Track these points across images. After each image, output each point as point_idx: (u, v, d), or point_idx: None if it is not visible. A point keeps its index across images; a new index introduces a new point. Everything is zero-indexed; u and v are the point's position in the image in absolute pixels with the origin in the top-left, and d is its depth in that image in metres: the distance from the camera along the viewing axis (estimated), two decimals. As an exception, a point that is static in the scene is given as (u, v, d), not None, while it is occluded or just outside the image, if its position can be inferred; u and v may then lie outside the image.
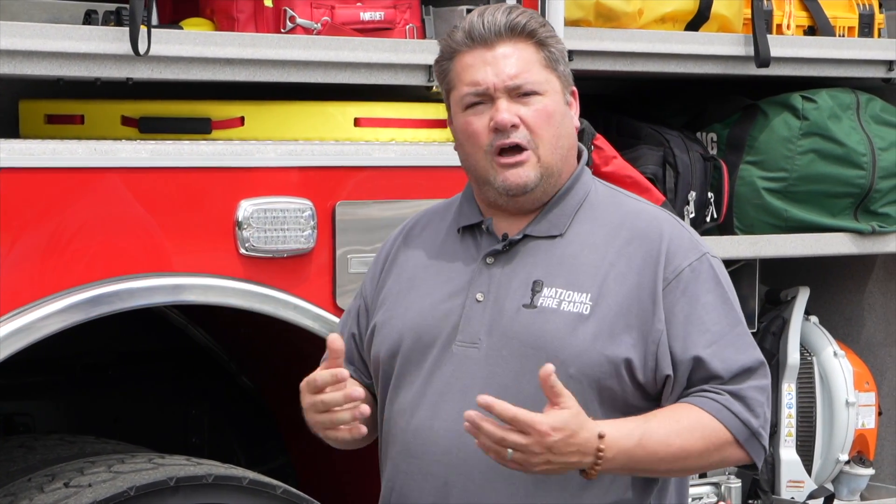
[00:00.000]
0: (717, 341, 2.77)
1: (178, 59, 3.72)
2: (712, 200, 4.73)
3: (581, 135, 4.36)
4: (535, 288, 2.79)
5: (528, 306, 2.77)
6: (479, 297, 2.81)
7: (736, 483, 4.81)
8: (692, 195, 4.66)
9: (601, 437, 2.65)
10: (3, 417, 4.30)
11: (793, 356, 4.99)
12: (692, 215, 4.66)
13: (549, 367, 2.62)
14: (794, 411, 5.00)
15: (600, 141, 4.44)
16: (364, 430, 2.75)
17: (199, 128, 3.87)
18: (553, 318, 2.76)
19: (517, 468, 2.65)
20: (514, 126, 2.79)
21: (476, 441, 2.64)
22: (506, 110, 2.79)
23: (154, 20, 3.72)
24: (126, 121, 3.90)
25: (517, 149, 2.80)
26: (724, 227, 4.80)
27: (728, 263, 4.79)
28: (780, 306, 5.06)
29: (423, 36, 4.11)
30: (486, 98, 2.82)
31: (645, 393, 2.80)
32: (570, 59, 4.22)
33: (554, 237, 2.83)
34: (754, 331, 4.91)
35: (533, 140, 2.80)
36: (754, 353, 2.80)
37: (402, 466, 2.84)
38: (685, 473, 2.82)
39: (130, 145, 3.66)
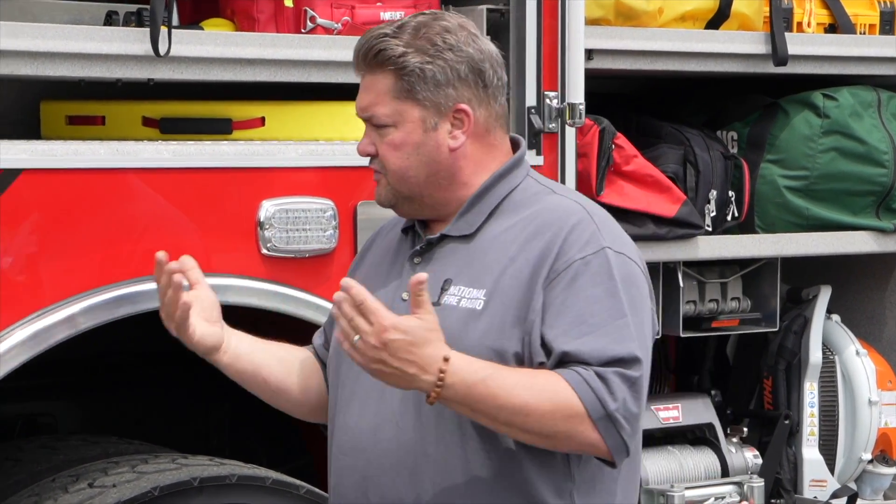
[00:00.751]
0: (592, 333, 2.74)
1: (199, 60, 3.72)
2: (733, 199, 4.72)
3: (602, 134, 4.36)
4: (444, 286, 2.84)
5: (435, 304, 2.79)
6: (405, 296, 2.86)
7: (759, 483, 4.80)
8: (713, 194, 4.65)
9: (446, 359, 2.66)
10: (25, 418, 4.32)
11: (815, 355, 4.98)
12: (713, 214, 4.65)
13: (421, 276, 2.66)
14: (816, 410, 4.99)
15: (621, 140, 4.43)
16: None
17: (220, 128, 3.88)
18: (450, 316, 2.80)
19: (358, 359, 2.66)
20: (370, 154, 2.88)
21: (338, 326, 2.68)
22: (363, 141, 2.89)
23: (175, 21, 3.74)
24: (147, 121, 3.91)
25: (376, 171, 2.90)
26: (745, 226, 4.79)
27: (749, 262, 4.83)
28: (802, 305, 5.05)
29: (444, 35, 4.10)
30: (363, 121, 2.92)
31: None
32: (590, 59, 4.25)
33: (467, 236, 2.87)
34: (776, 329, 4.90)
35: (384, 168, 2.87)
36: (629, 347, 2.75)
37: (335, 462, 2.90)
38: (526, 435, 2.74)
39: (152, 146, 3.67)
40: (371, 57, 2.83)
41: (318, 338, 3.12)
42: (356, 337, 2.65)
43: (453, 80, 2.83)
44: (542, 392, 2.71)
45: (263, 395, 3.07)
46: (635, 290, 2.82)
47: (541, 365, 2.76)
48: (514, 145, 2.95)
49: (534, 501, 2.78)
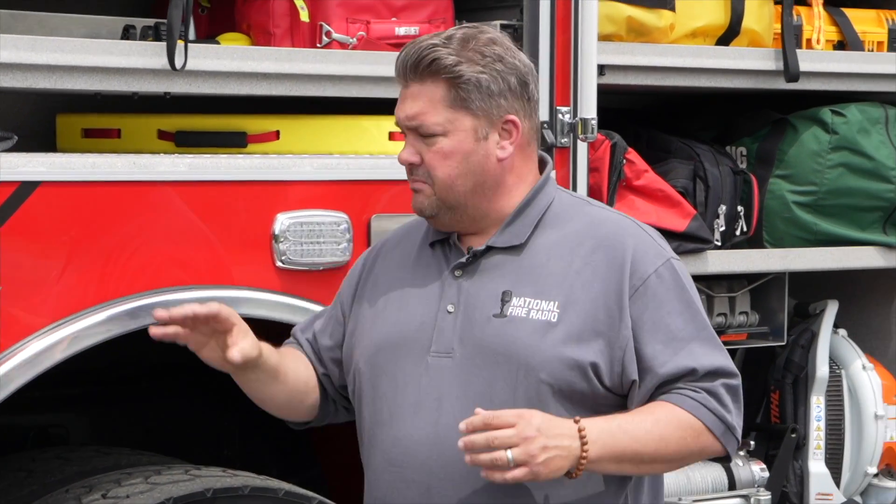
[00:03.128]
0: (685, 347, 2.84)
1: (215, 74, 3.74)
2: (742, 214, 4.74)
3: (613, 149, 4.38)
4: (505, 298, 2.86)
5: (498, 315, 2.85)
6: (450, 308, 2.88)
7: (765, 496, 4.82)
8: (722, 209, 4.67)
9: (576, 420, 2.74)
10: (38, 429, 4.33)
11: (822, 369, 5.00)
12: (722, 228, 4.67)
13: (476, 416, 2.68)
14: (822, 424, 5.00)
15: (632, 155, 4.45)
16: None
17: (235, 142, 3.90)
18: (523, 326, 2.83)
19: (522, 473, 2.67)
20: (413, 164, 2.89)
21: (481, 471, 2.69)
22: (406, 149, 2.90)
23: (191, 35, 3.75)
24: (162, 135, 3.93)
25: (418, 180, 2.91)
26: (753, 241, 4.81)
27: (757, 276, 4.84)
28: (809, 319, 5.07)
29: (457, 50, 4.12)
30: (406, 131, 2.92)
31: (614, 395, 2.87)
32: (602, 74, 4.27)
33: (515, 247, 2.89)
34: (783, 343, 4.92)
35: (430, 177, 2.87)
36: (722, 358, 2.88)
37: (384, 476, 2.90)
38: (667, 465, 2.85)
39: (169, 159, 3.69)
40: (424, 66, 2.84)
41: (303, 333, 3.11)
42: (508, 453, 2.66)
43: (504, 90, 2.86)
44: (669, 423, 2.80)
45: (272, 406, 3.06)
46: (697, 296, 2.93)
47: (633, 383, 2.83)
48: (540, 162, 3.00)
49: (597, 494, 2.84)
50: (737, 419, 2.87)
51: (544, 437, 2.68)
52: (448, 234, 2.96)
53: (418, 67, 2.85)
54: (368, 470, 2.96)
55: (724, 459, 4.72)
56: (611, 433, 2.76)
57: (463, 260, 2.91)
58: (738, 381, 2.89)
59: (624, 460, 2.78)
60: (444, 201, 2.88)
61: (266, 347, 2.97)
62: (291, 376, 3.02)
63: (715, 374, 2.85)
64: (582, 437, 2.72)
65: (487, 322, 2.85)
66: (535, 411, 2.73)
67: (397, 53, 3.88)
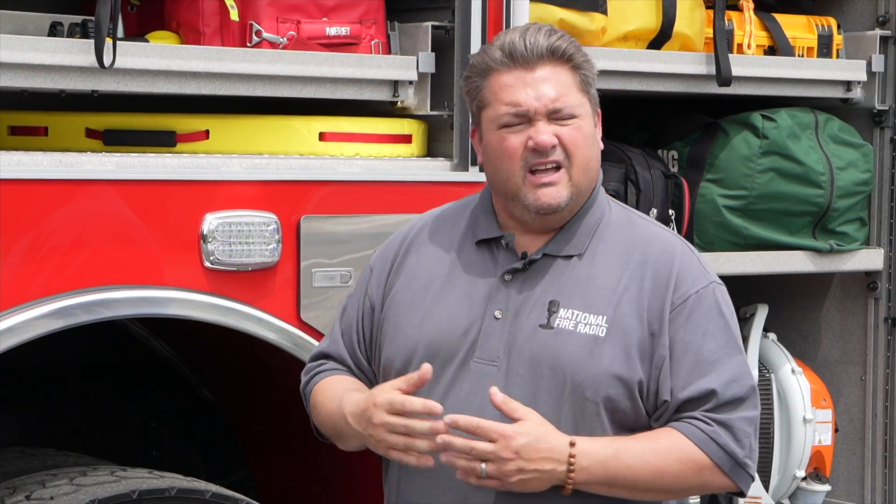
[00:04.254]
0: (713, 371, 2.82)
1: (144, 72, 3.71)
2: (673, 217, 4.76)
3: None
4: (552, 308, 2.84)
5: (544, 326, 2.83)
6: (498, 314, 2.86)
7: (694, 498, 4.83)
8: (653, 212, 4.69)
9: (572, 444, 2.72)
10: (-38, 430, 4.29)
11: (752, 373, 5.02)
12: (653, 232, 4.69)
13: (497, 392, 2.69)
14: (752, 428, 5.03)
15: (563, 157, 4.46)
16: (432, 461, 2.75)
17: (164, 141, 3.87)
18: (570, 340, 2.81)
19: (494, 484, 2.69)
20: (553, 147, 2.87)
21: (449, 463, 2.69)
22: (545, 132, 2.86)
23: (120, 33, 3.72)
24: (90, 133, 3.90)
25: (552, 169, 2.87)
26: (684, 245, 4.83)
27: (688, 280, 4.86)
28: (739, 323, 5.09)
29: (388, 51, 4.12)
30: (524, 119, 2.88)
31: (649, 416, 2.86)
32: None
33: (571, 257, 2.88)
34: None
35: (568, 160, 2.87)
36: (749, 384, 2.86)
37: (417, 480, 2.87)
38: (665, 495, 2.84)
39: (96, 157, 3.66)
40: (559, 52, 2.86)
41: (340, 355, 3.03)
42: (482, 466, 2.67)
43: (595, 80, 2.95)
44: (670, 454, 2.78)
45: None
46: (735, 321, 2.91)
47: (664, 403, 2.81)
48: None
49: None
50: (752, 455, 2.83)
51: (522, 460, 2.68)
52: (500, 234, 2.92)
53: (555, 52, 2.86)
54: (399, 469, 2.90)
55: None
56: (604, 461, 2.74)
57: (518, 265, 2.88)
58: (756, 412, 2.85)
59: (616, 486, 2.77)
60: (579, 186, 2.87)
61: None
62: None
63: (736, 403, 2.82)
64: (570, 462, 2.72)
65: (534, 333, 2.83)
66: (524, 430, 2.69)
67: (329, 55, 3.91)
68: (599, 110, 2.96)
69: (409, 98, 4.11)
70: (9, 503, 3.50)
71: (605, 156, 4.72)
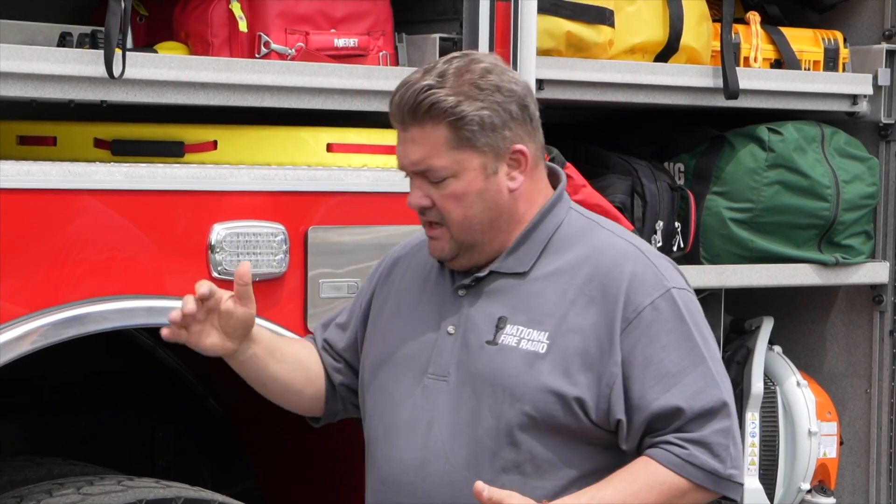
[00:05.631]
0: (678, 384, 2.74)
1: (153, 83, 3.73)
2: (679, 230, 4.76)
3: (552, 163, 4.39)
4: (499, 325, 2.81)
5: (490, 343, 2.79)
6: (451, 329, 2.84)
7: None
8: (659, 224, 4.70)
9: None
10: (-31, 438, 4.30)
11: (756, 385, 5.03)
12: (659, 244, 4.69)
13: (479, 487, 2.65)
14: (757, 440, 5.03)
15: (570, 169, 4.47)
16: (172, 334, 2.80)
17: (172, 151, 3.88)
18: (511, 357, 2.78)
19: None
20: (426, 207, 2.82)
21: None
22: (413, 194, 2.82)
23: (129, 43, 3.74)
24: (99, 143, 3.91)
25: (433, 224, 2.83)
26: (690, 257, 4.84)
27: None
28: (745, 336, 5.10)
29: (396, 63, 4.13)
30: (410, 175, 2.84)
31: (604, 431, 2.81)
32: (541, 89, 4.28)
33: (519, 274, 2.83)
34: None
35: (444, 220, 2.81)
36: (716, 393, 2.76)
37: (377, 495, 2.88)
38: None
39: (105, 167, 3.67)
40: (423, 111, 2.74)
41: (323, 333, 3.07)
42: None
43: (507, 121, 2.77)
44: (651, 490, 2.71)
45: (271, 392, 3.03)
46: (703, 324, 2.82)
47: (618, 423, 2.74)
48: (551, 173, 2.92)
49: None
50: (734, 464, 2.77)
51: None
52: None
53: (417, 112, 2.75)
54: (367, 486, 2.92)
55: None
56: None
57: (466, 282, 2.84)
58: (730, 421, 2.76)
59: None
60: (462, 242, 2.80)
61: (261, 327, 2.94)
62: (291, 358, 2.97)
63: (707, 415, 2.74)
64: None
65: (481, 349, 2.80)
66: None
67: (337, 66, 3.92)
68: (519, 146, 2.80)
69: (416, 109, 4.11)
70: (15, 512, 3.51)
71: (612, 168, 4.78)
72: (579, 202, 4.47)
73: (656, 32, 4.62)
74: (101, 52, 3.62)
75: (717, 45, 4.78)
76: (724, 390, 2.79)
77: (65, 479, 3.67)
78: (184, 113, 4.00)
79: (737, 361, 5.04)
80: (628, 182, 4.68)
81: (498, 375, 2.78)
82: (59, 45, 3.89)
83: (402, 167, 2.84)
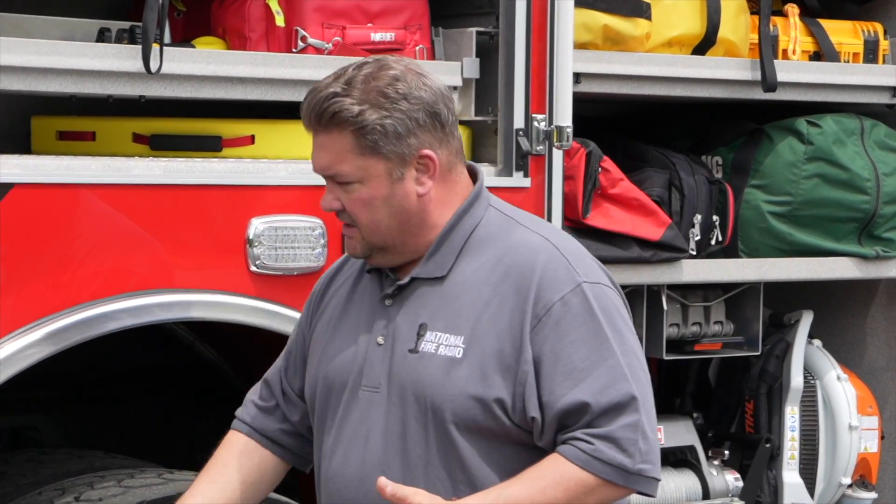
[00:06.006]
0: (585, 379, 2.73)
1: (190, 78, 3.74)
2: (717, 224, 4.75)
3: (589, 157, 4.39)
4: (420, 332, 2.81)
5: (412, 351, 2.79)
6: (380, 340, 2.84)
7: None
8: (697, 218, 4.68)
9: None
10: (11, 431, 4.33)
11: (796, 379, 5.01)
12: (697, 238, 4.68)
13: (382, 482, 2.66)
14: (797, 434, 5.02)
15: (607, 163, 4.47)
16: None
17: (210, 145, 3.90)
18: (430, 364, 2.78)
19: None
20: (336, 210, 2.84)
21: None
22: (325, 197, 2.85)
23: (166, 38, 3.76)
24: (137, 138, 3.93)
25: (348, 224, 2.86)
26: (728, 251, 4.82)
27: (733, 286, 4.86)
28: (784, 330, 5.08)
29: (433, 57, 4.14)
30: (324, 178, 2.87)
31: (526, 431, 2.79)
32: (578, 82, 4.28)
33: (438, 279, 2.83)
34: (758, 353, 4.92)
35: (354, 222, 2.83)
36: (625, 388, 2.74)
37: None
38: None
39: (143, 162, 3.69)
40: (327, 119, 2.77)
41: (257, 398, 3.04)
42: None
43: (413, 128, 2.78)
44: (557, 487, 2.71)
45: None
46: (618, 318, 2.80)
47: (532, 420, 2.74)
48: (472, 173, 2.91)
49: None
50: (645, 458, 2.73)
51: None
52: None
53: (322, 119, 2.78)
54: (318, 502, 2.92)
55: (692, 469, 4.74)
56: None
57: (390, 291, 2.85)
58: (638, 416, 2.73)
59: None
60: (372, 244, 2.82)
61: None
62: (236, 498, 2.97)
63: (614, 410, 2.72)
64: None
65: (404, 358, 2.80)
66: None
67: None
68: (427, 152, 2.79)
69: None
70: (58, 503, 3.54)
71: (649, 161, 4.77)
72: (616, 196, 4.50)
73: (693, 25, 4.61)
74: (139, 47, 3.64)
75: (755, 37, 4.76)
76: (636, 384, 2.77)
77: (106, 472, 3.70)
78: (221, 107, 4.02)
79: (776, 355, 5.03)
80: (666, 175, 4.67)
81: (419, 384, 2.78)
82: (97, 41, 3.91)
83: (314, 171, 2.88)
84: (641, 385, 2.77)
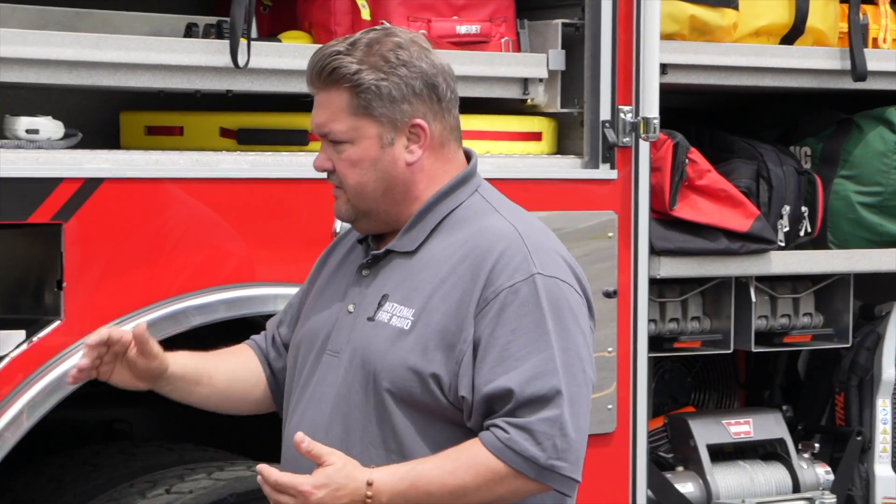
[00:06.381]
0: (516, 368, 2.74)
1: (277, 72, 3.77)
2: (806, 214, 4.71)
3: (676, 148, 4.37)
4: (381, 302, 2.85)
5: (370, 319, 2.84)
6: (351, 308, 2.89)
7: (830, 499, 4.78)
8: (786, 209, 4.65)
9: (369, 484, 2.71)
10: (102, 424, 4.37)
11: (888, 371, 4.96)
12: (786, 229, 4.64)
13: (298, 437, 2.71)
14: (889, 427, 4.96)
15: (695, 154, 4.44)
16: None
17: (297, 139, 3.92)
18: (379, 332, 2.82)
19: None
20: (327, 170, 2.88)
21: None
22: (318, 156, 2.89)
23: (253, 33, 3.78)
24: (224, 132, 3.96)
25: (337, 186, 2.90)
26: (818, 242, 4.78)
27: (822, 278, 4.81)
28: (875, 321, 5.03)
29: (519, 49, 4.13)
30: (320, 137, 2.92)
31: (461, 410, 2.80)
32: (665, 73, 4.26)
33: (409, 253, 2.86)
34: (848, 345, 4.87)
35: (342, 184, 2.87)
36: (553, 382, 2.74)
37: (285, 469, 2.88)
38: None
39: (231, 156, 3.71)
40: (326, 75, 2.81)
41: (264, 334, 3.10)
42: None
43: (408, 95, 2.82)
44: (468, 470, 2.73)
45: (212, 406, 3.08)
46: (567, 314, 2.79)
47: (462, 399, 2.77)
48: (469, 158, 2.93)
49: None
50: (560, 455, 2.73)
51: None
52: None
53: (321, 75, 2.83)
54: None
55: (781, 462, 4.70)
56: (403, 493, 2.71)
57: (364, 261, 2.91)
58: (559, 411, 2.73)
59: None
60: (357, 207, 2.87)
61: (181, 356, 3.00)
62: (222, 377, 3.03)
63: (537, 402, 2.73)
64: (368, 499, 2.70)
65: (363, 325, 2.85)
66: (322, 482, 2.68)
67: (459, 53, 3.93)
68: (419, 121, 2.82)
69: (539, 95, 4.11)
70: (149, 496, 3.57)
71: (737, 152, 4.74)
72: (704, 187, 4.47)
73: (781, 15, 4.57)
74: (227, 42, 3.67)
75: (844, 26, 4.71)
76: (566, 380, 2.76)
77: (196, 465, 3.72)
78: (308, 101, 4.02)
79: (867, 347, 4.98)
80: (754, 166, 4.64)
81: (366, 350, 2.83)
82: (185, 36, 3.94)
83: (311, 129, 2.92)
84: (575, 383, 2.77)
